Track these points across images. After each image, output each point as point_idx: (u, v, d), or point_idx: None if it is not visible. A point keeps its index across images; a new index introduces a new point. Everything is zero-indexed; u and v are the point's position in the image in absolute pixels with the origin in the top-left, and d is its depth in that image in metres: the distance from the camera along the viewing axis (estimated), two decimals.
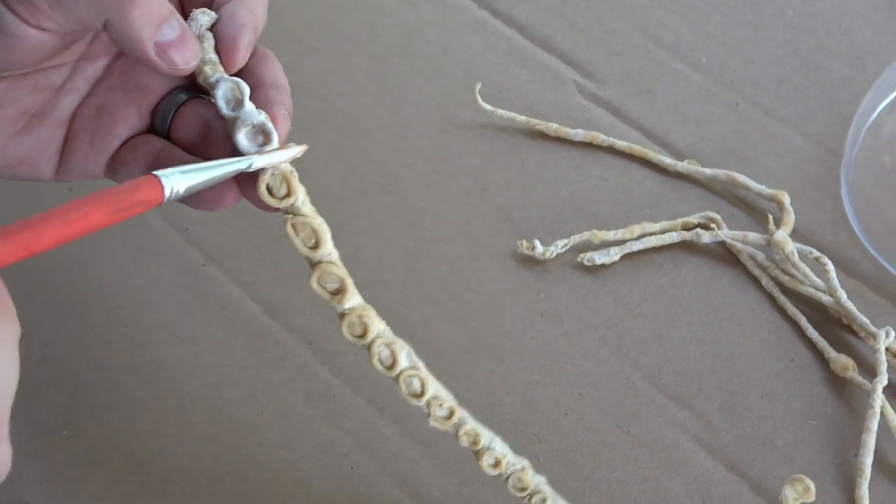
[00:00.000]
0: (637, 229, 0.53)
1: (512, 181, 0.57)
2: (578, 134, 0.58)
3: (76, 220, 0.34)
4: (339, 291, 0.39)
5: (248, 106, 0.37)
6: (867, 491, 0.45)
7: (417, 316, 0.52)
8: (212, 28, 0.39)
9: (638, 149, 0.57)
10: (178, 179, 0.35)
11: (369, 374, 0.49)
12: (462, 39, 0.64)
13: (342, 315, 0.40)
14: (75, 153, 0.42)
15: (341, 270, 0.39)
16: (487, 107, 0.58)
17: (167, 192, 0.34)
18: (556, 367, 0.50)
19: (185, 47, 0.37)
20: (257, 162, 0.37)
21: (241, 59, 0.39)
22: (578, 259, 0.53)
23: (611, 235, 0.53)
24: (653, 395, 0.49)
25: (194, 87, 0.42)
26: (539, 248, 0.53)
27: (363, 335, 0.40)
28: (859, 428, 0.47)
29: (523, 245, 0.53)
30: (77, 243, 0.54)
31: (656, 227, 0.54)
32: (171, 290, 0.53)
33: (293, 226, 0.38)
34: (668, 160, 0.56)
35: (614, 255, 0.53)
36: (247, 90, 0.37)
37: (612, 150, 0.58)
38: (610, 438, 0.48)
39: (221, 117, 0.38)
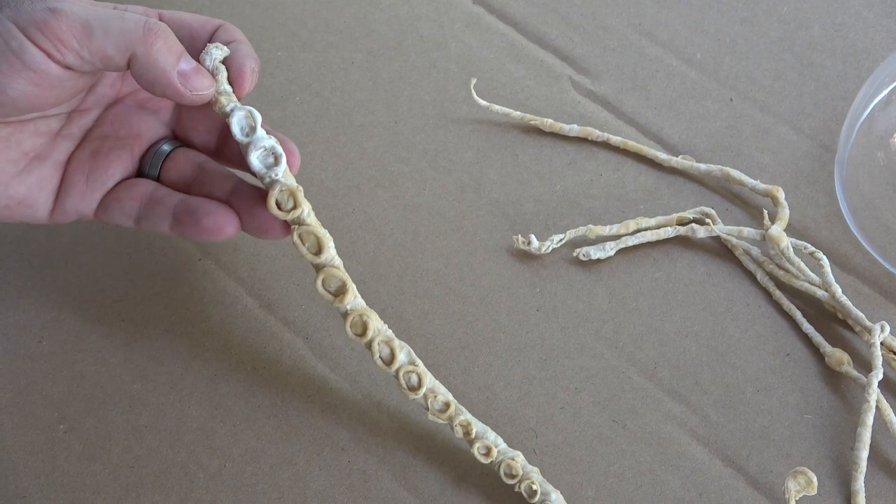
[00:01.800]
0: (632, 224, 0.54)
1: (507, 176, 0.57)
2: (573, 129, 0.58)
3: None
4: (341, 292, 0.43)
5: (260, 132, 0.42)
6: (863, 485, 0.45)
7: (413, 311, 0.52)
8: (223, 61, 0.44)
9: (632, 144, 0.57)
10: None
11: (366, 368, 0.49)
12: (457, 35, 0.64)
13: (344, 315, 0.43)
14: (71, 192, 0.46)
15: (343, 274, 0.43)
16: (482, 102, 0.58)
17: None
18: (551, 362, 0.50)
19: (202, 76, 0.42)
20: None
21: (250, 84, 0.44)
22: (574, 254, 0.53)
23: (606, 230, 0.53)
24: (649, 389, 0.49)
25: (176, 139, 0.49)
26: (535, 243, 0.53)
27: (363, 333, 0.43)
28: (855, 422, 0.47)
29: (519, 240, 0.53)
30: (72, 238, 0.54)
31: (651, 222, 0.54)
32: (167, 284, 0.53)
33: (300, 235, 0.42)
34: (662, 155, 0.57)
35: (609, 250, 0.53)
36: (259, 118, 0.43)
37: (606, 146, 0.58)
38: (606, 433, 0.48)
39: (235, 142, 0.43)
